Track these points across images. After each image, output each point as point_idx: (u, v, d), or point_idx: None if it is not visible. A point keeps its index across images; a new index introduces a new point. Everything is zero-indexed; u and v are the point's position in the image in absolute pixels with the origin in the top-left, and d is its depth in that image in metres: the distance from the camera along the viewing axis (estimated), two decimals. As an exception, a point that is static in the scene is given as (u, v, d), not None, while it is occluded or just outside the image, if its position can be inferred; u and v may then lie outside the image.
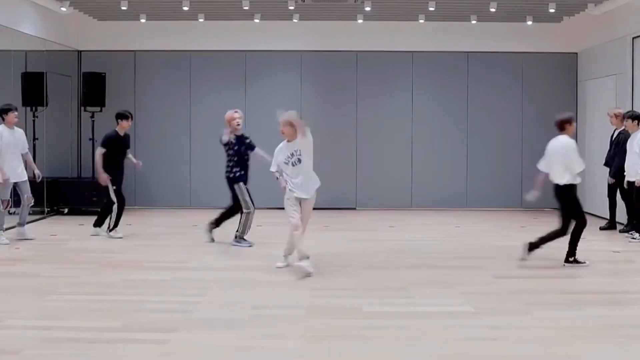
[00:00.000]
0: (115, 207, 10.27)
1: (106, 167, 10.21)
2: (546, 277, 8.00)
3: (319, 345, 5.48)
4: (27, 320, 6.10)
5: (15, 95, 12.26)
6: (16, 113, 9.97)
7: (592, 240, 10.49)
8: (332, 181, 14.30)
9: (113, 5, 12.29)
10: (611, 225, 11.28)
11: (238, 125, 9.66)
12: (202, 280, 7.64)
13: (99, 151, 10.32)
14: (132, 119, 10.66)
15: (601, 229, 11.38)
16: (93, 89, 13.28)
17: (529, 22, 13.57)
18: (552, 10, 12.36)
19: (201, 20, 13.41)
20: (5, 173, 9.62)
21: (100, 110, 13.40)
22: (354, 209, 13.96)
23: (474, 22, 13.53)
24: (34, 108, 12.42)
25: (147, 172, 14.04)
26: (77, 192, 12.87)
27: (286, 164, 8.13)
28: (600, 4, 12.32)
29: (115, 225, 10.38)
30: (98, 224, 10.53)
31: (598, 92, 13.03)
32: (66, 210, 12.81)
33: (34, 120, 12.41)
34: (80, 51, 13.99)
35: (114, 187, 10.27)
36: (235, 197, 9.79)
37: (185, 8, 12.18)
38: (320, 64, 14.15)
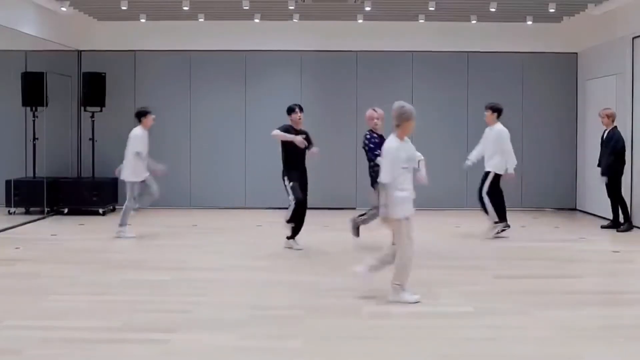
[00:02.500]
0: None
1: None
2: (546, 277, 8.00)
3: (319, 345, 5.48)
4: (27, 320, 6.09)
5: (15, 95, 12.28)
6: (154, 116, 10.44)
7: (593, 240, 10.51)
8: (332, 181, 14.34)
9: (113, 5, 12.28)
10: (614, 224, 11.31)
11: (376, 125, 9.29)
12: (202, 280, 7.64)
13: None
14: (300, 111, 9.51)
15: (602, 227, 11.42)
16: (93, 89, 13.28)
17: (529, 22, 13.57)
18: (552, 10, 12.36)
19: (201, 20, 13.41)
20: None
21: (100, 110, 13.42)
22: (354, 209, 13.94)
23: (474, 22, 13.53)
24: (34, 108, 12.43)
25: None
26: (77, 192, 12.87)
27: (405, 169, 6.66)
28: (600, 4, 12.32)
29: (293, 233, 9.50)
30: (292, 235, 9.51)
31: (598, 92, 13.03)
32: (66, 210, 12.80)
33: (34, 120, 12.42)
34: (80, 51, 13.99)
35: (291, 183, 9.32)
36: None
37: (185, 8, 12.18)
38: (320, 64, 14.15)
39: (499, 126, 10.52)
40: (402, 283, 6.67)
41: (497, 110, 10.56)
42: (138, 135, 10.24)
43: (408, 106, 6.68)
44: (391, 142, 6.67)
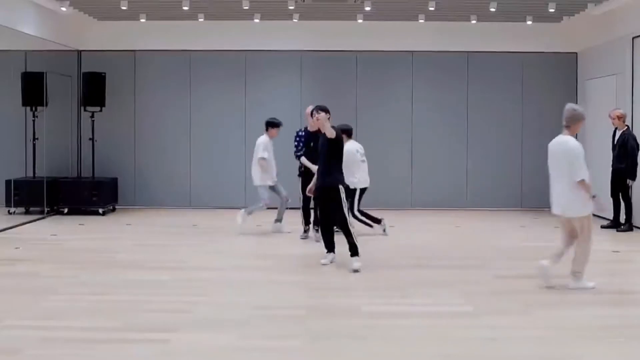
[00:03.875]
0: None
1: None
2: (546, 277, 7.99)
3: (319, 345, 5.48)
4: (27, 320, 6.10)
5: (15, 95, 12.28)
6: (280, 129, 10.94)
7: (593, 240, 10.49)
8: (332, 181, 14.31)
9: (113, 5, 12.28)
10: (615, 224, 11.31)
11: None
12: (202, 280, 7.64)
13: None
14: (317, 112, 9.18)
15: (602, 227, 11.40)
16: (93, 89, 13.27)
17: (529, 22, 13.57)
18: (552, 10, 12.36)
19: (201, 20, 13.41)
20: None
21: (100, 110, 13.41)
22: (354, 208, 13.94)
23: (474, 22, 13.52)
24: (34, 108, 12.43)
25: (147, 172, 14.09)
26: (77, 192, 12.87)
27: None
28: (600, 4, 12.31)
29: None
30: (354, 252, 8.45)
31: (598, 92, 13.03)
32: (66, 210, 12.80)
33: (34, 120, 12.42)
34: (80, 51, 13.99)
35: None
36: None
37: (185, 8, 12.18)
38: (320, 64, 14.14)
39: (348, 145, 10.43)
40: (583, 271, 7.24)
41: (345, 132, 10.61)
42: (263, 142, 10.76)
43: (580, 109, 7.32)
44: (575, 141, 7.16)
